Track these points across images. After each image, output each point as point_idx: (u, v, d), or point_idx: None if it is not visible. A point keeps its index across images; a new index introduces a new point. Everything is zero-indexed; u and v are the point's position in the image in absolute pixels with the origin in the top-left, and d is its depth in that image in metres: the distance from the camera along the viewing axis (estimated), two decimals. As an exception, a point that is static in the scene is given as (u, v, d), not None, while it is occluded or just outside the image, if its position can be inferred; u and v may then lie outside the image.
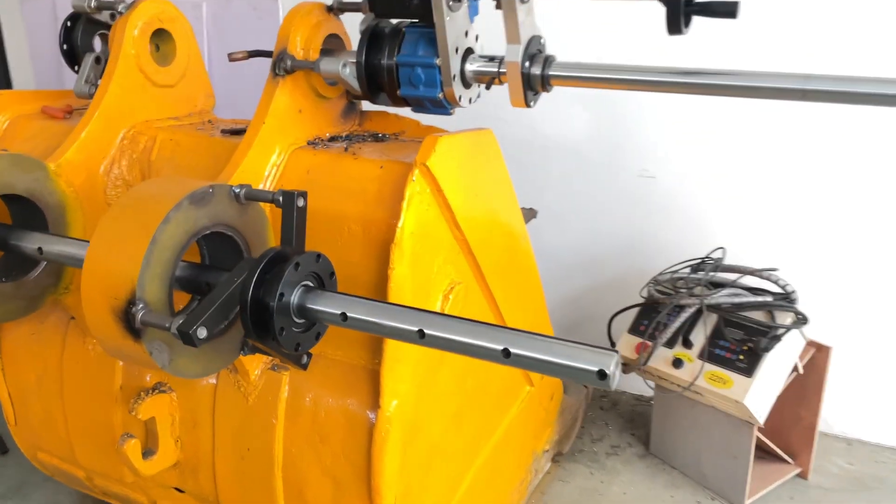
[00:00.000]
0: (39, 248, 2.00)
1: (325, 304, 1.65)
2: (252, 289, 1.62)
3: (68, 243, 2.00)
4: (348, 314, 1.62)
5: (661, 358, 2.98)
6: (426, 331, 1.51)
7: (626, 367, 3.11)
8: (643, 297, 3.14)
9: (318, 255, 1.72)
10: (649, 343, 2.97)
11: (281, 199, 1.76)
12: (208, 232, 1.76)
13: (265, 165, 2.08)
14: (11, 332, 2.58)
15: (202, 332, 1.54)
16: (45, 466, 2.77)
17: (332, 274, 1.77)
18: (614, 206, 3.55)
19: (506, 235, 2.47)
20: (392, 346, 1.94)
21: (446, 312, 2.09)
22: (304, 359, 1.85)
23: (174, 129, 2.35)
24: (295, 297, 1.66)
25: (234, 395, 2.21)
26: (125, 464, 2.28)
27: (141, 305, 1.61)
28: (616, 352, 1.34)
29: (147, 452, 2.32)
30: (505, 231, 2.45)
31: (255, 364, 2.17)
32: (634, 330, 3.12)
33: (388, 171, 1.96)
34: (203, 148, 2.24)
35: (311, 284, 1.71)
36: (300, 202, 1.76)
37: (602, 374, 1.32)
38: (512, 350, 1.41)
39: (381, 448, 2.00)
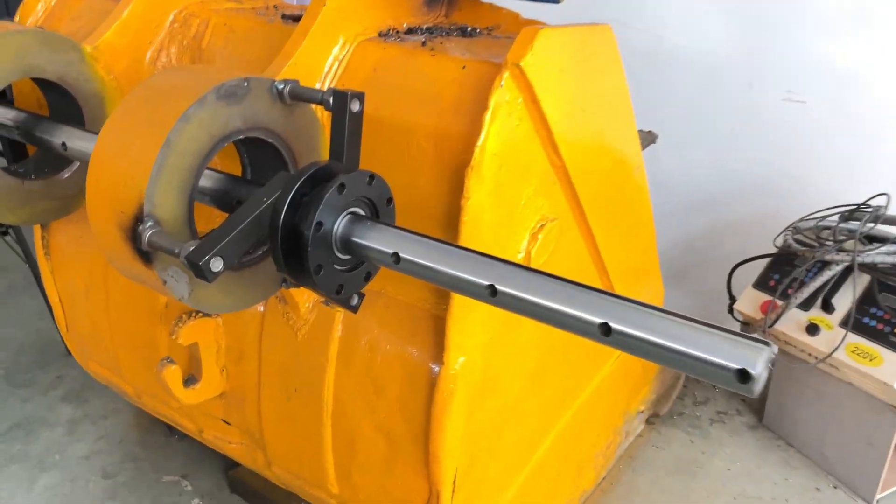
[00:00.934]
0: (63, 143, 1.72)
1: (376, 240, 1.29)
2: (285, 212, 1.27)
3: (94, 140, 1.70)
4: (402, 255, 1.26)
5: (792, 321, 2.49)
6: (500, 287, 1.14)
7: (747, 326, 2.65)
8: (777, 246, 2.63)
9: (372, 176, 1.35)
10: (780, 302, 2.49)
11: (331, 99, 1.39)
12: (243, 137, 1.42)
13: (324, 59, 1.70)
14: (60, 232, 2.37)
15: (217, 265, 1.21)
16: (98, 376, 2.61)
17: (390, 200, 1.40)
18: (750, 135, 3.00)
19: (616, 163, 2.02)
20: (462, 293, 1.57)
21: (533, 255, 1.70)
22: (355, 300, 1.51)
23: (230, 12, 2.00)
24: (339, 228, 1.31)
25: (281, 329, 1.92)
26: (164, 391, 2.05)
27: (150, 223, 1.29)
28: (768, 344, 0.92)
29: (189, 380, 2.08)
30: (615, 158, 2.00)
31: (306, 295, 1.85)
32: (762, 284, 2.63)
33: (471, 73, 1.55)
34: (258, 36, 1.88)
35: (360, 212, 1.35)
36: (354, 105, 1.38)
37: (744, 376, 0.91)
38: (614, 326, 1.02)
39: (442, 410, 1.67)
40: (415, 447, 1.76)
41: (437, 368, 1.68)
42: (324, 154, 1.60)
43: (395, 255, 1.26)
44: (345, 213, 1.32)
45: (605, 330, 1.03)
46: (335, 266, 1.34)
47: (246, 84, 1.39)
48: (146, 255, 1.32)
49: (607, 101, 1.84)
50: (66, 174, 1.91)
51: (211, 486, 2.62)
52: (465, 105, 1.54)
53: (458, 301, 1.58)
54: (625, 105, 1.93)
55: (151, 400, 2.43)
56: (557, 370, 2.10)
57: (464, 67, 1.58)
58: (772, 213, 2.85)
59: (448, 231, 1.56)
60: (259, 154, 1.56)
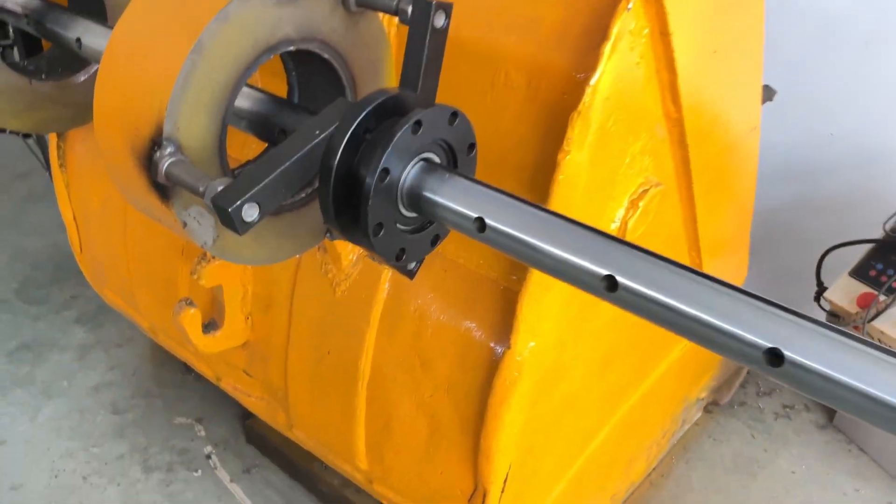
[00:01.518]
0: (78, 40, 1.43)
1: (454, 198, 1.00)
2: (342, 151, 0.98)
3: (114, 38, 1.41)
4: (489, 222, 0.97)
5: (894, 319, 2.18)
6: (623, 280, 0.85)
7: (836, 318, 2.34)
8: (886, 230, 2.30)
9: (455, 114, 1.05)
10: (884, 298, 2.17)
11: (409, 9, 1.08)
12: (293, 49, 1.12)
13: (398, -40, 1.38)
14: (77, 143, 2.11)
15: (251, 213, 0.94)
16: (112, 304, 2.39)
17: (473, 147, 1.10)
18: (861, 100, 2.62)
19: (734, 121, 1.69)
20: (543, 266, 1.29)
21: (630, 226, 1.40)
22: (413, 265, 1.23)
23: None
24: (407, 177, 1.02)
25: (318, 281, 1.65)
26: (181, 334, 1.81)
27: (169, 149, 1.01)
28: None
29: (210, 325, 1.84)
30: (735, 115, 1.67)
31: (350, 246, 1.58)
32: (861, 273, 2.31)
33: (588, -8, 1.22)
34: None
35: (435, 159, 1.05)
36: (440, 19, 1.07)
37: (775, 357, 0.70)
38: (787, 354, 0.74)
39: (502, 400, 1.40)
40: (462, 436, 1.51)
41: (500, 350, 1.41)
42: (389, 81, 1.30)
43: (480, 221, 0.97)
44: (417, 159, 1.03)
45: (774, 357, 0.74)
46: (398, 225, 1.05)
47: (302, -19, 1.08)
48: (163, 190, 1.05)
49: (741, 44, 1.50)
50: (81, 77, 1.63)
51: (226, 434, 2.41)
52: (573, 32, 1.22)
53: (537, 276, 1.30)
54: (757, 51, 1.58)
55: (168, 339, 2.20)
56: (625, 356, 1.82)
57: (575, -16, 1.25)
58: (878, 192, 2.50)
59: (533, 191, 1.27)
60: (310, 73, 1.26)
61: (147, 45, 1.02)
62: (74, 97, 1.64)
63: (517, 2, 1.28)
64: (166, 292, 1.96)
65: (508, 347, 1.36)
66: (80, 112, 1.67)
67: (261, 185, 0.94)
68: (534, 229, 0.94)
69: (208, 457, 2.34)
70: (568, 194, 1.23)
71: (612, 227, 1.39)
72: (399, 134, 0.97)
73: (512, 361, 1.37)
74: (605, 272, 0.86)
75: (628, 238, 1.40)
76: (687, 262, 1.66)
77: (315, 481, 2.20)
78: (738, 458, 2.50)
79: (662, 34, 1.21)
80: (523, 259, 0.95)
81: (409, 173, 1.02)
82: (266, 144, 1.28)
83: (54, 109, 1.62)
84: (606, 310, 1.55)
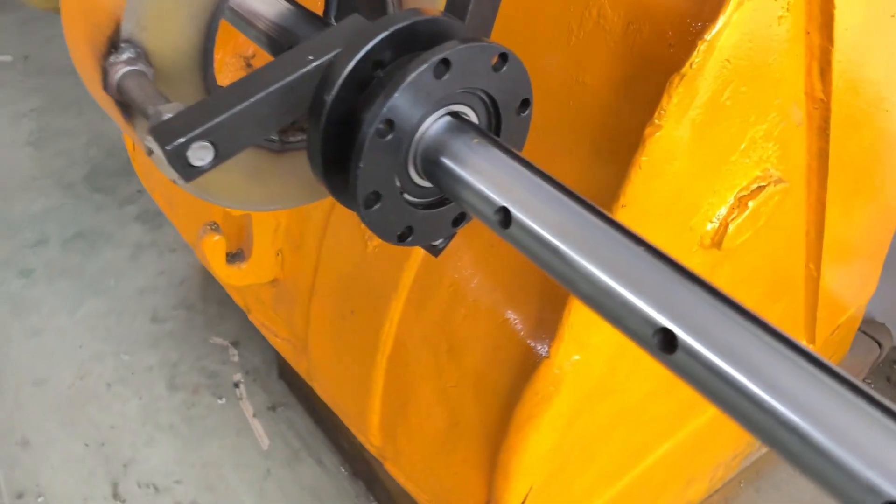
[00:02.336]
0: None
1: (479, 173, 0.73)
2: (338, 87, 0.72)
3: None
4: (516, 214, 0.69)
5: None
6: (685, 338, 0.57)
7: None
8: None
9: (504, 56, 0.76)
10: None
11: None
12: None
13: None
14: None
15: (203, 156, 0.70)
16: (161, 208, 2.25)
17: (526, 104, 0.81)
18: None
19: (890, 108, 1.31)
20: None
21: (731, 231, 1.08)
22: (440, 241, 0.97)
23: None
24: (425, 134, 0.75)
25: (350, 230, 1.42)
26: (203, 262, 1.64)
27: (127, 55, 0.78)
28: None
29: (236, 256, 1.66)
30: (892, 99, 1.29)
31: (389, 196, 1.33)
32: None
33: None
34: None
35: (469, 116, 0.78)
36: None
37: None
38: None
39: (530, 416, 1.15)
40: (482, 440, 1.27)
41: (542, 351, 1.14)
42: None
43: (505, 212, 0.70)
44: (442, 111, 0.75)
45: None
46: (405, 196, 0.79)
47: None
48: (122, 104, 0.82)
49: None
50: None
51: (259, 364, 2.27)
52: (695, -36, 0.89)
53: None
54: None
55: (202, 258, 2.04)
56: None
57: None
58: None
59: (610, 166, 0.97)
60: (350, -20, 1.00)
61: (115, -87, 0.77)
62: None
63: (628, -86, 0.96)
64: (201, 209, 1.79)
65: (547, 356, 1.10)
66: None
67: (216, 119, 0.69)
68: (576, 241, 0.66)
69: (236, 385, 2.21)
70: (651, 183, 0.93)
71: (708, 228, 1.08)
72: (414, 74, 0.70)
73: (549, 374, 1.10)
74: (657, 322, 0.58)
75: (727, 244, 1.09)
76: (802, 276, 1.32)
77: (337, 434, 2.04)
78: (817, 496, 2.16)
79: (823, -20, 0.87)
80: (554, 275, 0.68)
81: (429, 130, 0.75)
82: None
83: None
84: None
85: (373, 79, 0.75)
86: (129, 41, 0.78)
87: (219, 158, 0.71)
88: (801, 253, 1.44)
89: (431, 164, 0.76)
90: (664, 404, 1.50)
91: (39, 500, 1.87)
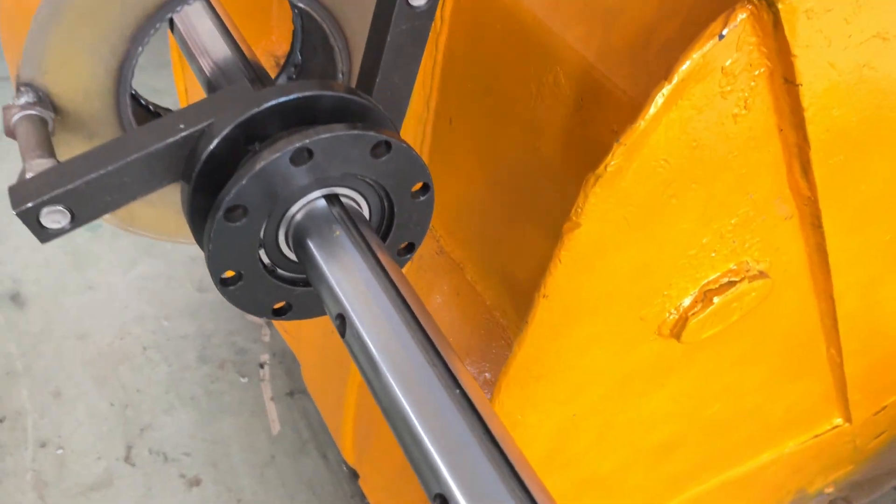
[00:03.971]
0: None
1: (332, 268, 0.68)
2: (202, 164, 0.69)
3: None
4: (350, 317, 0.64)
5: None
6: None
7: None
8: None
9: (386, 143, 0.70)
10: None
11: (380, -31, 0.73)
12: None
13: None
14: None
15: (58, 220, 0.69)
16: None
17: (426, 189, 0.75)
18: None
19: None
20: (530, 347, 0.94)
21: (690, 326, 0.98)
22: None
23: None
24: (297, 215, 0.71)
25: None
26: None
27: (25, 99, 0.78)
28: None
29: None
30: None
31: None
32: None
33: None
34: None
35: (351, 199, 0.73)
36: None
37: None
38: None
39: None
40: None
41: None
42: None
43: (341, 319, 0.65)
44: (318, 192, 0.71)
45: None
46: (279, 273, 0.76)
47: None
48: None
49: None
50: None
51: (287, 347, 2.31)
52: (657, 41, 0.79)
53: (522, 357, 0.94)
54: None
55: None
56: (694, 446, 1.41)
57: (685, -32, 0.80)
58: None
59: (541, 248, 0.89)
60: (309, 24, 0.96)
61: (24, -46, 0.77)
62: None
63: (592, -25, 0.86)
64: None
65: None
66: None
67: (71, 185, 0.68)
68: (397, 371, 0.60)
69: (261, 366, 2.26)
70: (577, 278, 0.85)
71: (667, 318, 0.98)
72: (264, 163, 0.66)
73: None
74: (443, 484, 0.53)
75: (686, 338, 0.99)
76: (825, 360, 1.20)
77: (344, 432, 2.05)
78: (843, 579, 1.99)
79: (787, 81, 0.75)
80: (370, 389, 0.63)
81: (299, 211, 0.71)
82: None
83: None
84: (664, 398, 1.18)
85: (246, 152, 0.71)
86: (29, 85, 0.77)
87: (77, 222, 0.70)
88: (820, 339, 1.30)
89: (298, 246, 0.72)
90: (647, 476, 1.41)
91: (59, 451, 2.00)
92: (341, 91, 0.72)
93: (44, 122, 0.78)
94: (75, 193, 0.68)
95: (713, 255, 0.94)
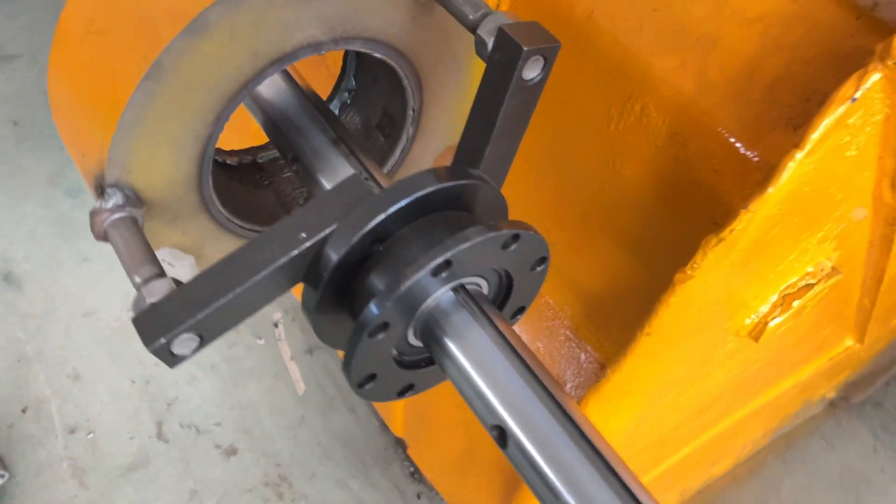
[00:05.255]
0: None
1: (480, 379, 0.67)
2: (330, 274, 0.67)
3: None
4: (514, 433, 0.65)
5: None
6: None
7: None
8: None
9: (516, 236, 0.68)
10: None
11: (490, 41, 0.68)
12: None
13: None
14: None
15: (187, 346, 0.67)
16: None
17: (543, 261, 0.74)
18: None
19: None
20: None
21: (770, 328, 1.01)
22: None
23: None
24: (429, 310, 0.70)
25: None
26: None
27: (114, 201, 0.73)
28: None
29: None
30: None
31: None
32: None
33: (802, 13, 0.76)
34: None
35: (478, 285, 0.71)
36: (531, 71, 0.67)
37: None
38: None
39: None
40: (496, 478, 1.28)
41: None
42: (472, 80, 0.91)
43: (499, 430, 0.65)
44: (448, 287, 0.69)
45: None
46: (404, 358, 0.75)
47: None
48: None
49: None
50: None
51: (298, 302, 2.30)
52: (762, 83, 0.77)
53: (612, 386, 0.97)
54: None
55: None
56: (731, 396, 1.48)
57: (788, -2, 0.77)
58: None
59: (638, 270, 0.90)
60: (368, 61, 0.91)
61: (91, 46, 0.70)
62: None
63: (682, 8, 0.82)
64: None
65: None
66: None
67: (203, 314, 0.65)
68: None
69: (275, 325, 2.26)
70: (680, 315, 0.86)
71: (746, 323, 1.01)
72: (409, 282, 0.64)
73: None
74: None
75: (764, 340, 1.02)
76: (855, 308, 1.23)
77: (371, 386, 2.08)
78: (846, 473, 2.16)
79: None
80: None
81: (431, 305, 0.70)
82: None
83: None
84: (722, 375, 1.22)
85: (371, 253, 0.69)
86: (115, 186, 0.72)
87: (204, 343, 0.68)
88: (857, 294, 1.35)
89: (428, 337, 0.71)
90: (690, 425, 1.48)
91: (90, 436, 2.00)
92: (467, 179, 0.69)
93: (135, 221, 0.73)
94: (206, 320, 0.66)
95: (796, 265, 0.96)
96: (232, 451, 2.01)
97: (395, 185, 0.67)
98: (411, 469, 2.02)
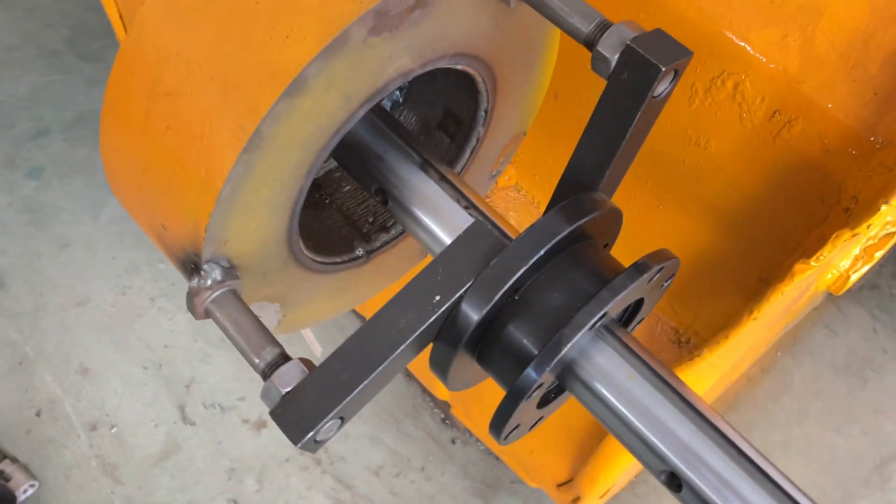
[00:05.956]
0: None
1: (637, 420, 0.64)
2: (468, 336, 0.62)
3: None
4: (687, 477, 0.63)
5: None
6: None
7: None
8: None
9: (660, 269, 0.64)
10: None
11: (615, 59, 0.61)
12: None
13: None
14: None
15: (329, 430, 0.62)
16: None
17: (671, 276, 0.70)
18: None
19: None
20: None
21: (852, 280, 1.00)
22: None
23: None
24: (572, 353, 0.66)
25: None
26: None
27: (214, 277, 0.66)
28: None
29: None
30: None
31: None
32: None
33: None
34: None
35: (610, 317, 0.68)
36: (662, 86, 0.61)
37: None
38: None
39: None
40: (566, 439, 1.29)
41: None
42: (545, 76, 0.84)
43: (669, 475, 0.63)
44: (589, 327, 0.65)
45: None
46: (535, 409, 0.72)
47: (436, -17, 0.61)
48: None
49: None
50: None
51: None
52: (874, 46, 0.73)
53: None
54: None
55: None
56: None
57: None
58: None
59: (732, 242, 0.87)
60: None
61: (163, 112, 0.61)
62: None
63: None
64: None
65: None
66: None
67: (347, 399, 0.60)
68: None
69: (278, 288, 2.19)
70: (786, 297, 0.84)
71: (827, 278, 1.00)
72: (567, 348, 0.60)
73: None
74: None
75: (844, 291, 1.02)
76: None
77: (389, 339, 2.06)
78: (851, 357, 2.25)
79: None
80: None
81: (575, 348, 0.66)
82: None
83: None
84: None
85: (506, 304, 0.64)
86: (212, 261, 0.65)
87: (343, 424, 0.64)
88: None
89: (576, 384, 0.67)
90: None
91: (113, 430, 1.95)
92: (595, 210, 0.64)
93: (236, 293, 0.67)
94: (350, 404, 0.61)
95: (882, 219, 0.94)
96: (261, 424, 1.99)
97: (529, 234, 0.62)
98: (442, 416, 2.03)
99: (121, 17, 1.82)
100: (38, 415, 1.96)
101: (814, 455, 2.08)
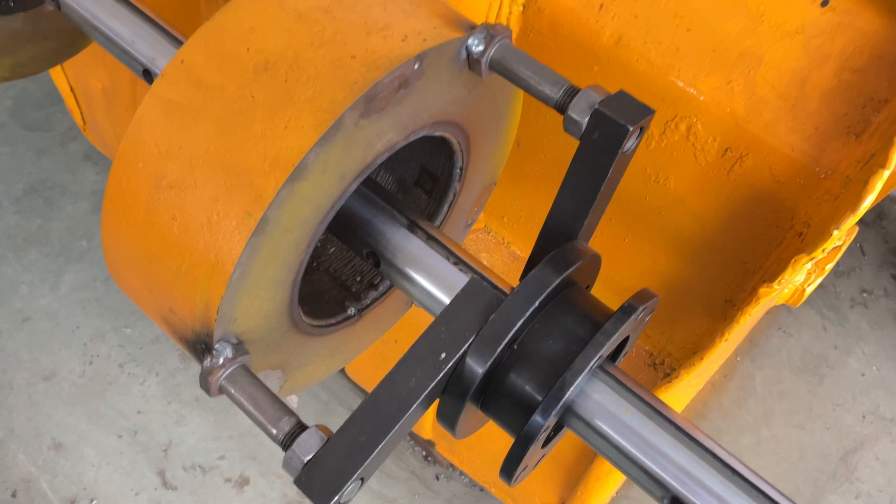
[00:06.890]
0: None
1: (640, 453, 0.69)
2: (474, 390, 0.66)
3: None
4: (690, 502, 0.68)
5: None
6: None
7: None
8: None
9: (642, 310, 0.70)
10: None
11: (585, 122, 0.67)
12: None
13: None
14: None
15: (352, 491, 0.65)
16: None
17: (650, 312, 0.76)
18: None
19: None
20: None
21: (807, 293, 1.07)
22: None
23: None
24: (572, 397, 0.70)
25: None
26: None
27: (226, 355, 0.69)
28: None
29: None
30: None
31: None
32: None
33: (845, 19, 0.79)
34: None
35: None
36: (631, 142, 0.67)
37: None
38: None
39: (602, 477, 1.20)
40: (553, 467, 1.33)
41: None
42: (512, 129, 0.90)
43: (672, 500, 0.68)
44: (588, 370, 0.70)
45: None
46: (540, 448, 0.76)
47: (418, 66, 0.66)
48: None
49: None
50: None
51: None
52: (811, 85, 0.80)
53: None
54: None
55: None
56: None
57: (825, 4, 0.80)
58: None
59: (691, 270, 0.94)
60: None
61: (168, 203, 0.64)
62: (52, 26, 1.19)
63: (716, 24, 0.83)
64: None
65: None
66: (63, 44, 1.24)
67: (368, 461, 0.64)
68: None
69: (248, 342, 2.20)
70: (755, 317, 0.90)
71: (785, 292, 1.07)
72: (568, 395, 0.64)
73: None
74: None
75: (800, 302, 1.09)
76: None
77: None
78: (806, 356, 2.36)
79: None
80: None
81: (574, 392, 0.71)
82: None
83: (30, 48, 1.19)
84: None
85: (507, 353, 0.68)
86: (223, 341, 0.68)
87: (363, 484, 0.67)
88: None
89: (576, 423, 0.72)
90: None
91: (93, 503, 1.92)
92: (580, 259, 0.70)
93: (247, 368, 0.70)
94: (370, 466, 0.64)
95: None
96: (244, 481, 1.99)
97: (523, 288, 0.67)
98: (423, 453, 2.05)
99: (71, 88, 1.83)
100: (13, 496, 1.92)
101: (783, 454, 2.17)
